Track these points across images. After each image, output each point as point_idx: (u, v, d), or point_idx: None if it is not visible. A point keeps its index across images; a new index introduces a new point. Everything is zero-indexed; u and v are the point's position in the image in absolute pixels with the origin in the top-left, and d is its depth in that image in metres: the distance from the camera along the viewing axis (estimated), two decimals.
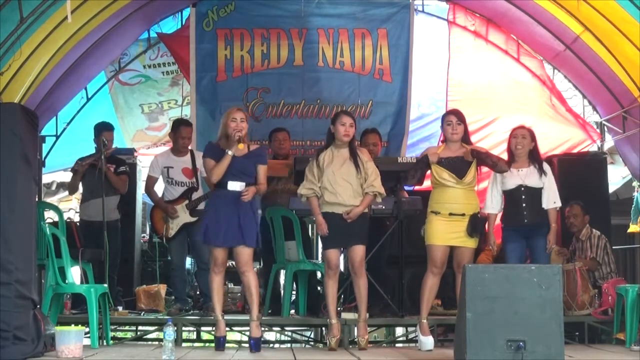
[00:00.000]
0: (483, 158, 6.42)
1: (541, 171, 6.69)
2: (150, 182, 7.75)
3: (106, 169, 7.59)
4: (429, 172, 6.51)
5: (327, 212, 6.33)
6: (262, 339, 6.52)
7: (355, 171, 6.32)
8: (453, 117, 6.47)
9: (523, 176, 6.67)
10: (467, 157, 6.36)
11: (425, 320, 6.43)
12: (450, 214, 6.30)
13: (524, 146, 6.73)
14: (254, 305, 6.31)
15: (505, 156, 6.87)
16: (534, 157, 6.77)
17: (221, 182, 6.26)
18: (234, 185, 6.22)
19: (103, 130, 7.84)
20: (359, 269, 6.33)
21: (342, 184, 6.29)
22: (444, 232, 6.31)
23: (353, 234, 6.31)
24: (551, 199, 6.67)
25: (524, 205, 6.65)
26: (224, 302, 7.15)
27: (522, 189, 6.65)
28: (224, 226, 6.19)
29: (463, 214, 6.30)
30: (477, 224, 6.31)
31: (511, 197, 6.70)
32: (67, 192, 10.32)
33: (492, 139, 9.58)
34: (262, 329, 6.96)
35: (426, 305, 6.40)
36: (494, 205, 6.74)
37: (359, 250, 6.33)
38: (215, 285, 6.32)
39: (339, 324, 6.48)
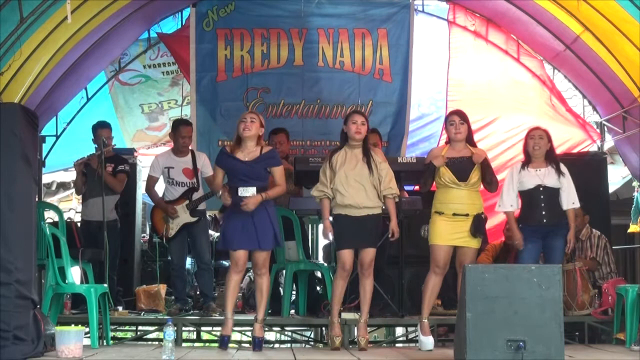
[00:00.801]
0: (484, 172, 6.36)
1: (559, 171, 6.71)
2: (151, 182, 7.74)
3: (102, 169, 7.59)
4: None
5: (339, 214, 6.33)
6: (263, 340, 6.51)
7: (368, 172, 6.29)
8: (456, 117, 6.48)
9: (542, 176, 6.69)
10: (476, 159, 6.35)
11: (426, 320, 6.44)
12: (454, 214, 6.30)
13: (541, 147, 6.75)
14: (261, 307, 6.34)
15: (506, 156, 6.84)
16: (551, 158, 6.80)
17: (232, 189, 6.28)
18: (245, 191, 6.21)
19: (99, 128, 7.85)
20: (367, 270, 6.34)
21: (355, 186, 6.26)
22: (447, 233, 6.31)
23: (365, 237, 6.29)
24: (570, 200, 6.69)
25: (542, 205, 6.66)
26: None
27: (541, 188, 6.67)
28: (240, 230, 6.20)
29: (467, 215, 6.30)
30: (480, 225, 6.32)
31: (529, 197, 6.71)
32: (67, 192, 10.36)
33: (492, 139, 9.58)
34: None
35: (427, 305, 6.41)
36: (512, 204, 6.74)
37: (370, 253, 6.32)
38: (232, 284, 6.29)
39: (339, 323, 6.48)
